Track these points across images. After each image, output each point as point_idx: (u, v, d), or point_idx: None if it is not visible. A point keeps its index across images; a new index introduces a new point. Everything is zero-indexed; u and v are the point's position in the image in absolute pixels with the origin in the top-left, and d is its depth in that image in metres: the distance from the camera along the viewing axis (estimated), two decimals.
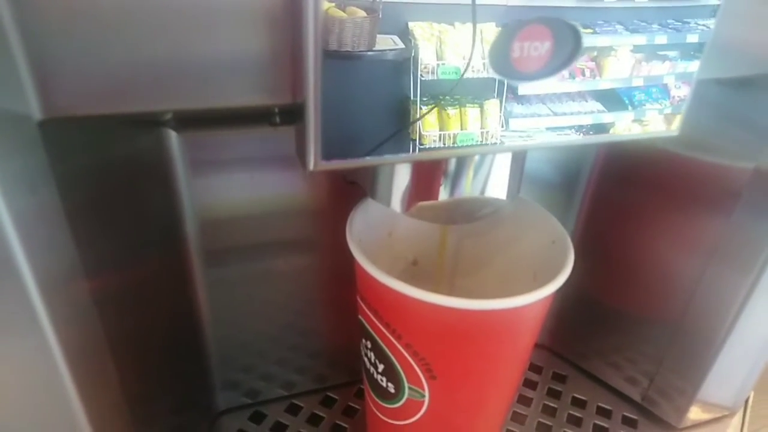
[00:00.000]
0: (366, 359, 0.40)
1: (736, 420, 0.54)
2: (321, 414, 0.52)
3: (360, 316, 0.38)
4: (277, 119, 0.34)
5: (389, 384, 0.38)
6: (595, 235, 0.51)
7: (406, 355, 0.35)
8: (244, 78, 0.24)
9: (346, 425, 0.51)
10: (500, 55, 0.25)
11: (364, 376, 0.42)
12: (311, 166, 0.25)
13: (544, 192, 0.52)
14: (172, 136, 0.37)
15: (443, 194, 0.34)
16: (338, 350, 0.53)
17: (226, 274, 0.45)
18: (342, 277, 0.43)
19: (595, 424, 0.52)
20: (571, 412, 0.53)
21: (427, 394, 0.36)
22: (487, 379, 0.36)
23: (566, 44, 0.26)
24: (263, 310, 0.48)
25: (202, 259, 0.43)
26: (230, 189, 0.41)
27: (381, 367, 0.37)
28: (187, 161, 0.39)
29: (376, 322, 0.35)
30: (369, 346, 0.38)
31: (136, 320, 0.36)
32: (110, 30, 0.21)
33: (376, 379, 0.39)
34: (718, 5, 0.28)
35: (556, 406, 0.53)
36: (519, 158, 0.35)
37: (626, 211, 0.49)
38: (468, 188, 0.34)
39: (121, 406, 0.32)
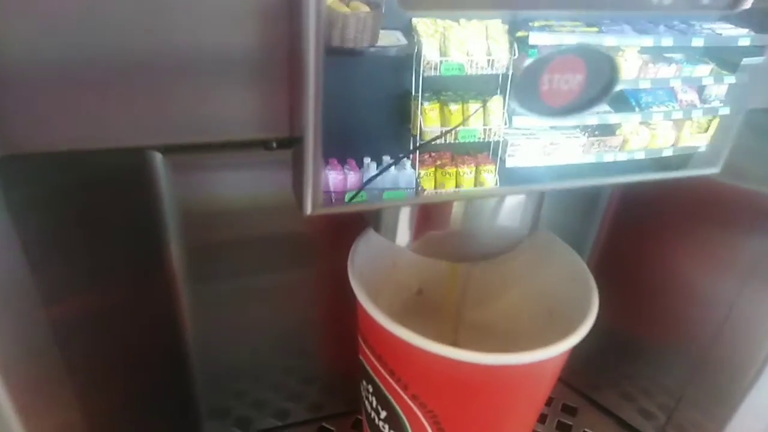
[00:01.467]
0: (366, 402, 0.37)
1: None
2: None
3: (361, 357, 0.35)
4: (274, 143, 0.31)
5: None
6: (615, 257, 0.49)
7: (413, 406, 0.32)
8: (238, 110, 0.22)
9: None
10: (528, 88, 0.23)
11: (364, 417, 0.39)
12: (308, 211, 0.24)
13: (561, 211, 0.49)
14: (157, 158, 0.34)
15: (453, 226, 0.31)
16: (334, 376, 0.50)
17: (213, 293, 0.42)
18: (339, 296, 0.39)
19: None
20: None
21: None
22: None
23: (600, 77, 0.24)
24: (254, 332, 0.45)
25: (187, 278, 0.40)
26: (218, 203, 0.38)
27: (383, 414, 0.34)
28: (171, 179, 0.36)
29: (380, 368, 0.32)
30: (370, 390, 0.35)
31: (109, 347, 0.34)
32: (75, 54, 0.19)
33: (378, 425, 0.36)
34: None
35: None
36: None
37: (649, 232, 0.46)
38: (481, 221, 0.31)
39: None
